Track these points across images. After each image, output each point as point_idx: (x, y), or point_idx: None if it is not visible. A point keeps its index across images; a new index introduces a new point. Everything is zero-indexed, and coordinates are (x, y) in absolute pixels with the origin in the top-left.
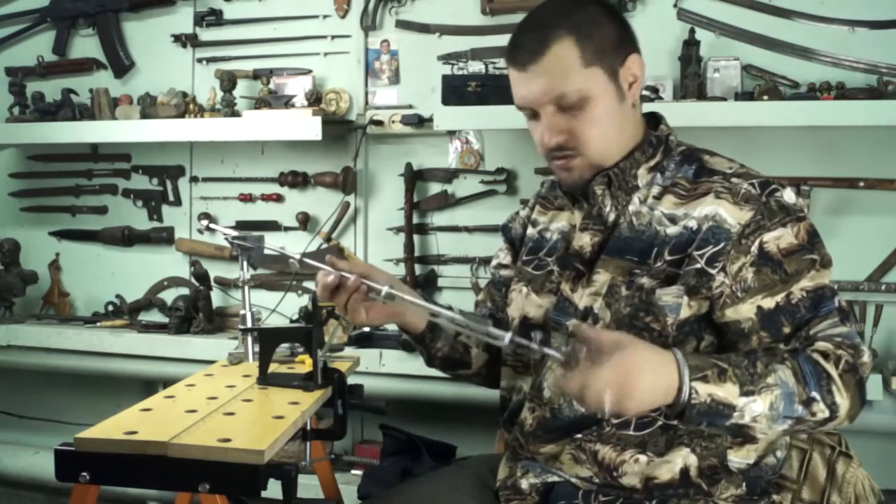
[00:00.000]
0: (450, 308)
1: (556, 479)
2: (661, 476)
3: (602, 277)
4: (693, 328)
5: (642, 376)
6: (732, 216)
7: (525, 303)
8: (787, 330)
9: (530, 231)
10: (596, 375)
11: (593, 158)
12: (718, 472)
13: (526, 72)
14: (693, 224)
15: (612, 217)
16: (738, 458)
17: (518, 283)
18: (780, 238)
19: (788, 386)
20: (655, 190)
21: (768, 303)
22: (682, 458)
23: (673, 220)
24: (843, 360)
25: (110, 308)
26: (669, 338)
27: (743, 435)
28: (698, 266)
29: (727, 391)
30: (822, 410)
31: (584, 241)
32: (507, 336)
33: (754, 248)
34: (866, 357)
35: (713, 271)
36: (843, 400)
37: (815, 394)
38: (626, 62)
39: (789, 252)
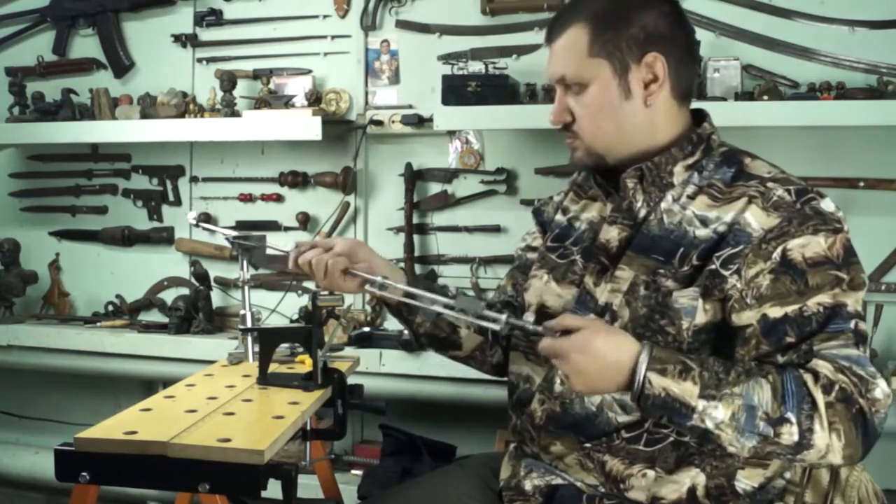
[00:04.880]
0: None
1: (560, 481)
2: (668, 496)
3: (626, 274)
4: (710, 336)
5: (594, 356)
6: (758, 220)
7: (544, 290)
8: (790, 340)
9: (559, 217)
10: (559, 347)
11: (589, 146)
12: (726, 492)
13: (548, 48)
14: (724, 229)
15: (642, 213)
16: (747, 479)
17: (539, 270)
18: (806, 246)
19: (754, 400)
20: (690, 189)
21: (775, 312)
22: (691, 479)
23: (704, 222)
24: (837, 387)
25: (110, 308)
26: (684, 343)
27: (712, 444)
28: (713, 267)
29: (684, 389)
30: (790, 433)
31: (612, 234)
32: (503, 318)
33: (776, 255)
34: (878, 393)
35: (726, 273)
36: (822, 432)
37: (789, 415)
38: (643, 61)
39: (815, 262)
